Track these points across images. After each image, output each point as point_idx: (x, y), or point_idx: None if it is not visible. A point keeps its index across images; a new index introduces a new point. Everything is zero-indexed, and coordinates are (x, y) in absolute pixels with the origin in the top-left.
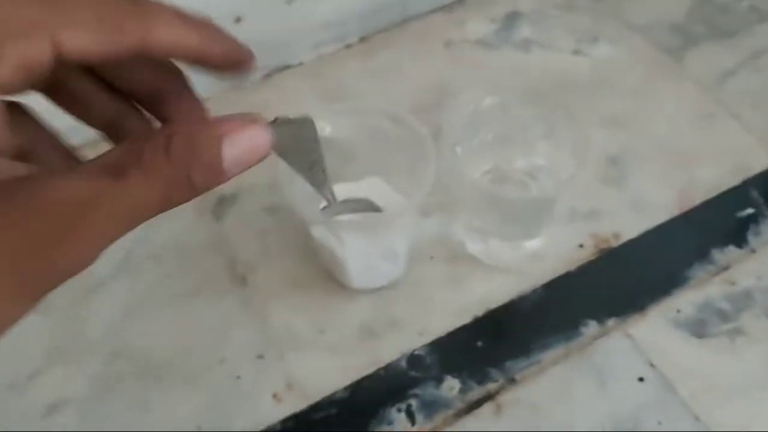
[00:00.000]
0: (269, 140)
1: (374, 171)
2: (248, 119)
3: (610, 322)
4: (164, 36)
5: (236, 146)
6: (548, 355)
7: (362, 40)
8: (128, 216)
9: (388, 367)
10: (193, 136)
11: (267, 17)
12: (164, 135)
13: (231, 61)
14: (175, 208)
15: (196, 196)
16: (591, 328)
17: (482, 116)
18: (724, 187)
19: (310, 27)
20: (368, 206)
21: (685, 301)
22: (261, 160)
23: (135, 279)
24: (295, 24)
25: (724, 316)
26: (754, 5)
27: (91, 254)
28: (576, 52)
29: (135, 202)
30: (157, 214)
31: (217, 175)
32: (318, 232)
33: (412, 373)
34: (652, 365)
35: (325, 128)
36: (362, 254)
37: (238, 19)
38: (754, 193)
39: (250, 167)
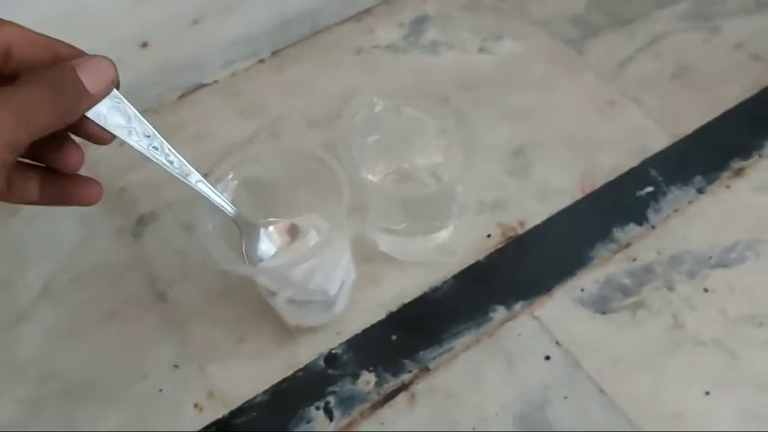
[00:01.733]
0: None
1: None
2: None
3: (518, 306)
4: (12, 32)
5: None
6: (460, 342)
7: (274, 54)
8: (24, 116)
9: (306, 368)
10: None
11: (173, 40)
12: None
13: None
14: (95, 231)
15: (74, 103)
16: (500, 313)
17: (375, 120)
18: (625, 169)
19: (219, 45)
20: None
21: (588, 279)
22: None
23: (59, 305)
24: (204, 44)
25: (625, 291)
26: None
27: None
28: (482, 51)
29: (28, 102)
30: (51, 122)
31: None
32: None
33: (330, 372)
34: (557, 343)
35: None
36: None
37: (144, 44)
38: (653, 172)
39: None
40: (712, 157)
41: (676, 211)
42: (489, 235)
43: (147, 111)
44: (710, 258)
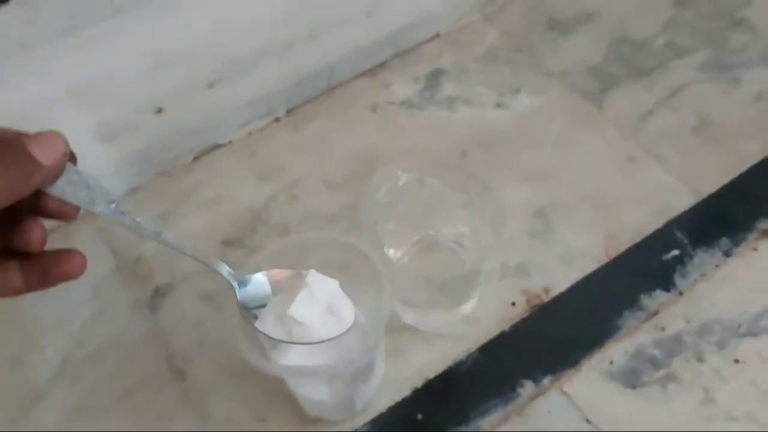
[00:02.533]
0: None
1: None
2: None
3: (546, 381)
4: None
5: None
6: (487, 421)
7: (289, 112)
8: None
9: None
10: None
11: (189, 104)
12: None
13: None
14: (110, 305)
15: (26, 175)
16: (527, 388)
17: (400, 193)
18: (649, 231)
19: (235, 106)
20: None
21: (617, 351)
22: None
23: (74, 383)
24: (219, 106)
25: (655, 363)
26: (669, 41)
27: None
28: (499, 106)
29: None
30: (5, 196)
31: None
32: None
33: None
34: (588, 421)
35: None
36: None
37: (159, 110)
38: (679, 234)
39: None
40: (738, 218)
41: (703, 275)
42: (513, 303)
43: (161, 174)
44: (739, 326)
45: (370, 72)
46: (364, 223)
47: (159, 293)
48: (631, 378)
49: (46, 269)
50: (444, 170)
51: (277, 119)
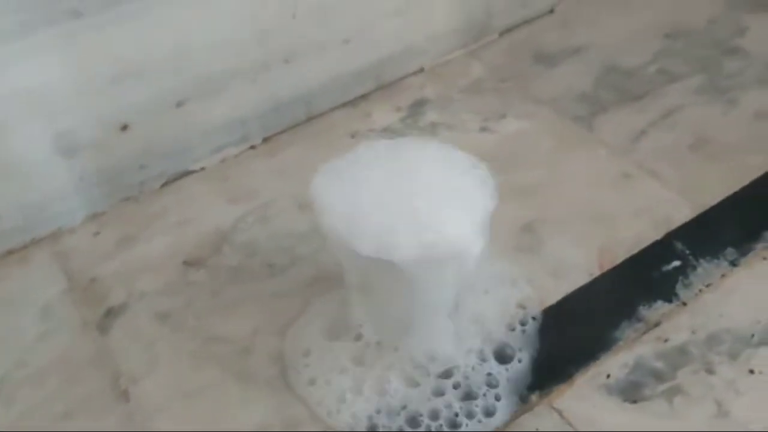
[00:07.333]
0: None
1: None
2: None
3: (533, 397)
4: None
5: None
6: None
7: (266, 140)
8: None
9: None
10: None
11: (157, 122)
12: None
13: None
14: (58, 326)
15: None
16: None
17: None
18: (647, 243)
19: (207, 129)
20: None
21: (614, 364)
22: None
23: (10, 404)
24: (190, 127)
25: (659, 376)
26: (661, 68)
27: None
28: (484, 130)
29: None
30: None
31: None
32: None
33: None
34: None
35: None
36: None
37: (124, 127)
38: (679, 245)
39: None
40: (743, 228)
41: (709, 285)
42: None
43: (127, 200)
44: (753, 336)
45: (351, 103)
46: None
47: (111, 314)
48: (631, 392)
49: None
50: None
51: (253, 147)
